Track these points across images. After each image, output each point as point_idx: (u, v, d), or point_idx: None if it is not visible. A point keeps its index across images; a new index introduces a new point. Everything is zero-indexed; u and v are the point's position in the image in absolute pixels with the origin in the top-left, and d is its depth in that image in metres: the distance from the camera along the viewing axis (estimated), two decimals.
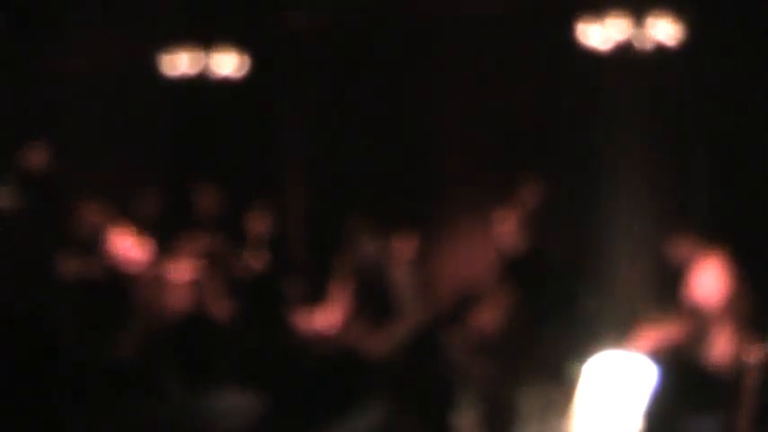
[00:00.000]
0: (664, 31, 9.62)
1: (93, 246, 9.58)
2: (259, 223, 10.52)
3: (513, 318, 9.09)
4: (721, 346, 8.02)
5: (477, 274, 10.58)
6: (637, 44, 9.65)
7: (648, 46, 9.65)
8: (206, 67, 11.38)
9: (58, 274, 9.26)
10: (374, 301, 8.75)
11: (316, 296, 9.49)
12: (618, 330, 8.03)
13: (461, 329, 9.08)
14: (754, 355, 7.56)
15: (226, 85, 11.50)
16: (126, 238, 9.81)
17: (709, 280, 8.22)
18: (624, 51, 9.68)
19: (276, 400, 4.67)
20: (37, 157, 9.93)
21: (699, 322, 8.12)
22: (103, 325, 7.79)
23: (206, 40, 11.35)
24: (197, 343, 4.79)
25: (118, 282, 9.36)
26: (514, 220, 9.62)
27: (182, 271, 9.63)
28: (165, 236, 10.14)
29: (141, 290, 9.32)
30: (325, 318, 8.96)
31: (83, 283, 9.18)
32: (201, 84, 11.43)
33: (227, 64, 11.44)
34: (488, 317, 9.17)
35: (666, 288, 8.64)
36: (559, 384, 6.14)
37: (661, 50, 9.68)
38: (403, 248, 9.74)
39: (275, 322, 8.22)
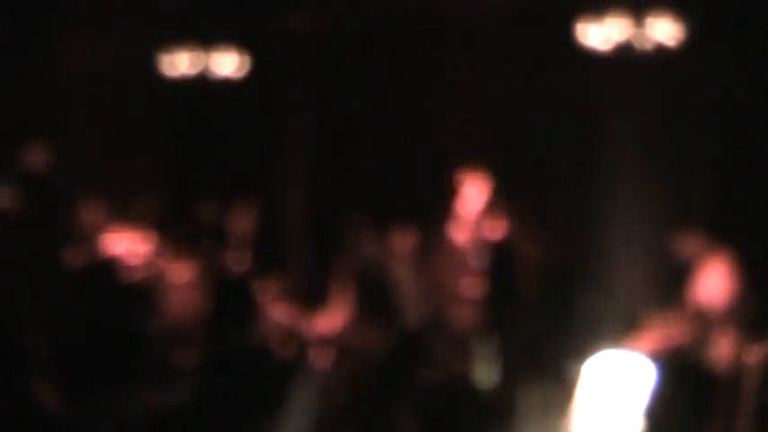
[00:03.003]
0: (664, 31, 9.62)
1: (92, 242, 9.57)
2: (240, 223, 10.44)
3: (513, 316, 9.09)
4: (724, 348, 8.02)
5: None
6: (637, 44, 9.65)
7: (648, 46, 9.65)
8: (206, 67, 11.38)
9: (63, 266, 9.25)
10: (375, 301, 8.74)
11: (316, 296, 9.49)
12: (618, 330, 8.03)
13: (447, 329, 9.10)
14: (754, 356, 7.56)
15: (226, 85, 11.49)
16: (126, 233, 9.80)
17: (714, 282, 8.20)
18: (624, 51, 9.68)
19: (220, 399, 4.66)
20: (37, 157, 9.93)
21: (702, 324, 8.11)
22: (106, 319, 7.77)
23: (206, 40, 11.35)
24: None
25: (119, 276, 9.33)
26: (464, 216, 9.56)
27: (182, 272, 9.62)
28: (165, 236, 10.12)
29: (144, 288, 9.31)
30: (329, 320, 8.95)
31: (86, 275, 9.15)
32: (201, 84, 11.43)
33: (227, 64, 11.43)
34: (465, 315, 9.18)
35: (668, 288, 8.64)
36: (559, 384, 6.15)
37: (661, 50, 9.68)
38: (401, 247, 9.73)
39: (241, 324, 8.21)
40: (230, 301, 7.95)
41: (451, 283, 9.38)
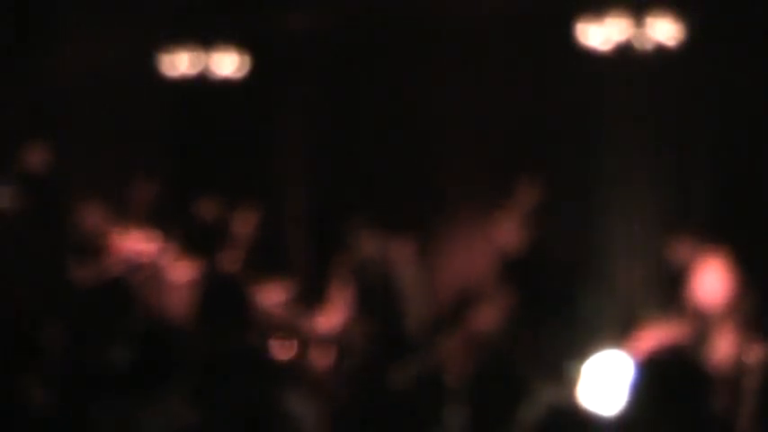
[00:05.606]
0: (664, 31, 9.62)
1: (95, 246, 9.56)
2: (244, 224, 10.42)
3: (513, 318, 9.09)
4: (723, 347, 8.02)
5: (477, 275, 10.57)
6: (637, 44, 9.65)
7: (648, 46, 9.65)
8: (206, 67, 11.38)
9: (71, 278, 9.23)
10: (376, 302, 8.74)
11: (316, 296, 9.49)
12: (618, 330, 8.03)
13: (460, 330, 9.08)
14: (754, 355, 7.56)
15: (226, 85, 11.49)
16: (130, 233, 9.79)
17: (711, 281, 8.21)
18: (624, 51, 9.68)
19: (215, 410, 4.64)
20: (37, 157, 9.93)
21: (701, 323, 8.12)
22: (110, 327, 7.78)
23: (206, 40, 11.35)
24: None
25: (126, 282, 9.32)
26: (514, 219, 9.61)
27: (182, 272, 9.62)
28: (164, 236, 10.12)
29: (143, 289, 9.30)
30: (328, 319, 8.95)
31: (97, 287, 9.14)
32: (201, 84, 11.43)
33: (227, 64, 11.43)
34: (488, 317, 9.17)
35: (667, 288, 8.64)
36: (559, 384, 6.14)
37: (661, 50, 9.68)
38: (402, 249, 9.72)
39: (239, 324, 8.19)
40: (228, 301, 7.93)
41: (485, 284, 9.43)
